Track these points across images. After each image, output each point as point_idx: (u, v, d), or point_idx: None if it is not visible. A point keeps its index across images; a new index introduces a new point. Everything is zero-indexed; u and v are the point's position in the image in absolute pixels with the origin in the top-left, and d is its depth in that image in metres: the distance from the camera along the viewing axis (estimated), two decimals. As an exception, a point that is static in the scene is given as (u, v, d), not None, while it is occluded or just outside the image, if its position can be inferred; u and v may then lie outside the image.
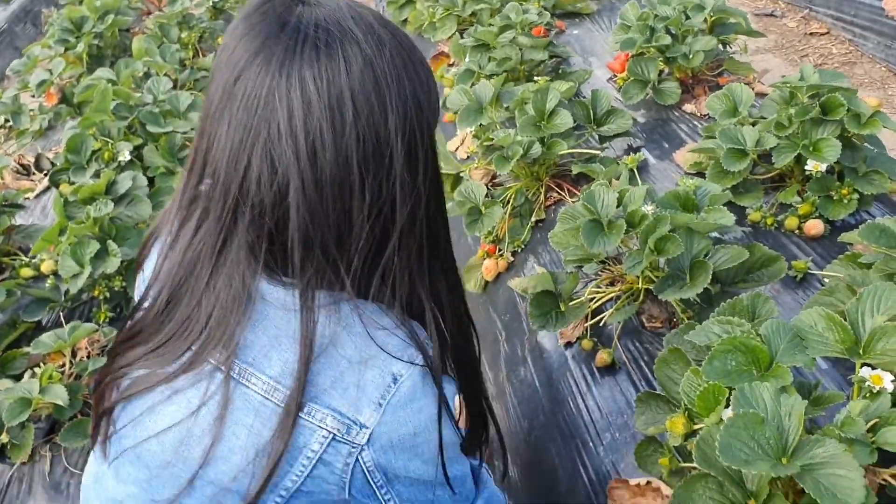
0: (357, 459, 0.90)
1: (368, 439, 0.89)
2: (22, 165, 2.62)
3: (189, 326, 0.90)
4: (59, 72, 2.89)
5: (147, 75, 2.80)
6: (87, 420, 1.58)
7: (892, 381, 1.09)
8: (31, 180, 2.59)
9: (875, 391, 1.09)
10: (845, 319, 1.17)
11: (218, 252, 0.88)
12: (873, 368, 1.11)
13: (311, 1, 0.87)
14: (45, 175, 2.60)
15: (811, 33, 3.12)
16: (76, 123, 2.36)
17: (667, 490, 1.25)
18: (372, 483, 0.92)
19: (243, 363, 0.88)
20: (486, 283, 2.02)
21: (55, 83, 2.93)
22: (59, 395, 1.55)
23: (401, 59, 0.88)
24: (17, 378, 1.68)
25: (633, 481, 1.28)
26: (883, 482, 1.07)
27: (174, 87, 2.60)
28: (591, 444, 1.45)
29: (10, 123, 2.98)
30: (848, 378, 1.38)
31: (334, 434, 0.88)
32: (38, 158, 2.67)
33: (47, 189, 2.53)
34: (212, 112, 0.86)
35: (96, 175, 2.24)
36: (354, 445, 0.89)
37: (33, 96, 3.00)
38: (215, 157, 0.86)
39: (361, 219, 0.86)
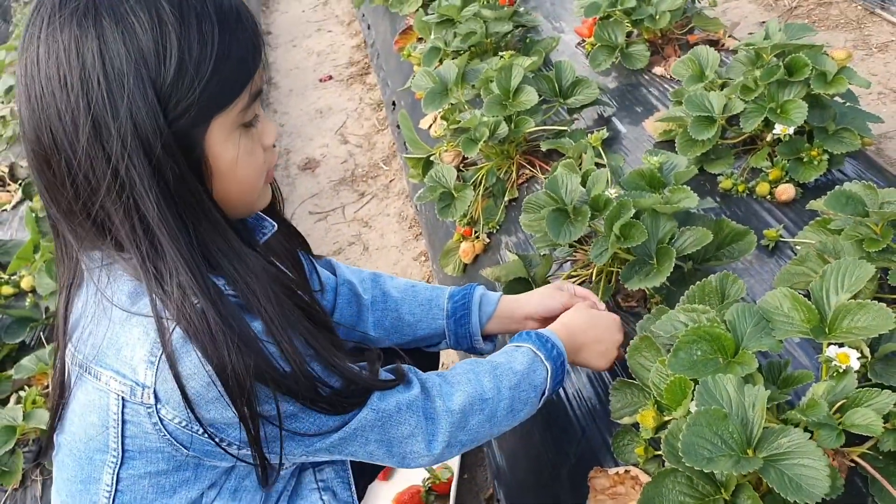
0: (161, 419, 0.92)
1: (156, 398, 0.90)
2: (-6, 175, 2.60)
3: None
4: (25, 76, 2.84)
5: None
6: (75, 441, 1.59)
7: (858, 359, 1.08)
8: (7, 191, 2.57)
9: (842, 370, 1.08)
10: (810, 298, 1.16)
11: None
12: (840, 346, 1.10)
13: None
14: (20, 185, 2.58)
15: (786, -26, 3.05)
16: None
17: (644, 477, 1.25)
18: (197, 435, 0.94)
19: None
20: (465, 266, 2.01)
21: (23, 88, 2.88)
22: (44, 419, 1.56)
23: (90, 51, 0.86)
24: (4, 402, 1.69)
25: (611, 471, 1.29)
26: (851, 463, 1.07)
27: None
28: (572, 430, 1.45)
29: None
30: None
31: (123, 396, 0.91)
32: (12, 168, 2.64)
33: (24, 200, 2.52)
34: None
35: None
36: (147, 405, 0.91)
37: (1, 102, 2.97)
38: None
39: (75, 184, 0.88)
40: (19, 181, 2.61)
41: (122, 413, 0.92)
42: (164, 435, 0.93)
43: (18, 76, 0.90)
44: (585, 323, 1.31)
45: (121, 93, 0.85)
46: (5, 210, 2.51)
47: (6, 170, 2.65)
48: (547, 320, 1.36)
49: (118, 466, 0.95)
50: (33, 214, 1.98)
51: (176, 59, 0.86)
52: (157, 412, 0.91)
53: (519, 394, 1.19)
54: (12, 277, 2.06)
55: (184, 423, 0.92)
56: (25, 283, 2.03)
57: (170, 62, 0.86)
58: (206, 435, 0.94)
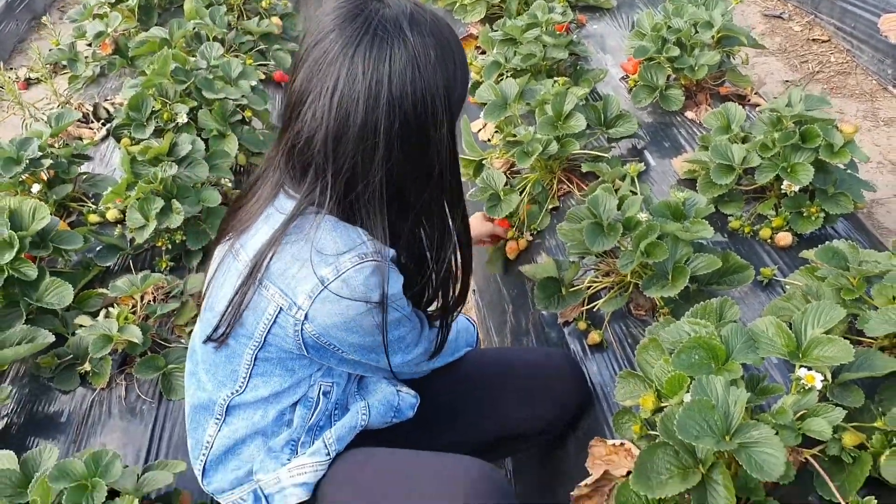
0: (302, 329, 1.25)
1: (305, 317, 1.23)
2: (82, 113, 2.86)
3: (240, 215, 1.34)
4: (115, 25, 3.11)
5: (197, 35, 3.02)
6: (156, 356, 1.86)
7: (821, 381, 1.37)
8: (90, 128, 2.83)
9: (807, 388, 1.37)
10: (791, 328, 1.45)
11: (271, 163, 1.30)
12: (809, 369, 1.39)
13: (386, 1, 1.20)
14: (102, 124, 2.84)
15: (814, 39, 3.33)
16: (137, 82, 2.59)
17: (636, 450, 1.55)
18: (321, 344, 1.28)
19: (239, 244, 1.29)
20: (506, 262, 2.28)
21: (110, 35, 3.15)
22: (135, 333, 1.83)
23: (441, 61, 1.19)
24: (93, 315, 1.96)
25: (609, 442, 1.58)
26: (804, 460, 1.37)
27: (223, 50, 2.83)
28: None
29: (66, 69, 3.21)
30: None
31: (281, 307, 1.24)
32: (95, 107, 2.91)
33: (105, 138, 2.78)
34: (297, 63, 1.22)
35: (155, 132, 2.48)
36: (296, 320, 1.24)
37: (89, 44, 3.23)
38: (291, 94, 1.23)
39: (370, 169, 1.19)
40: (101, 120, 2.88)
41: (276, 317, 1.25)
42: (299, 340, 1.27)
43: (385, 68, 1.15)
44: None
45: (451, 110, 1.23)
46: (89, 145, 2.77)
47: (90, 108, 2.92)
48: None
49: (258, 349, 1.31)
50: (129, 157, 2.24)
51: (461, 83, 1.27)
52: (302, 326, 1.24)
53: None
54: (99, 208, 2.33)
55: (317, 336, 1.26)
56: (110, 215, 2.30)
57: (459, 85, 1.26)
58: (333, 346, 1.29)
